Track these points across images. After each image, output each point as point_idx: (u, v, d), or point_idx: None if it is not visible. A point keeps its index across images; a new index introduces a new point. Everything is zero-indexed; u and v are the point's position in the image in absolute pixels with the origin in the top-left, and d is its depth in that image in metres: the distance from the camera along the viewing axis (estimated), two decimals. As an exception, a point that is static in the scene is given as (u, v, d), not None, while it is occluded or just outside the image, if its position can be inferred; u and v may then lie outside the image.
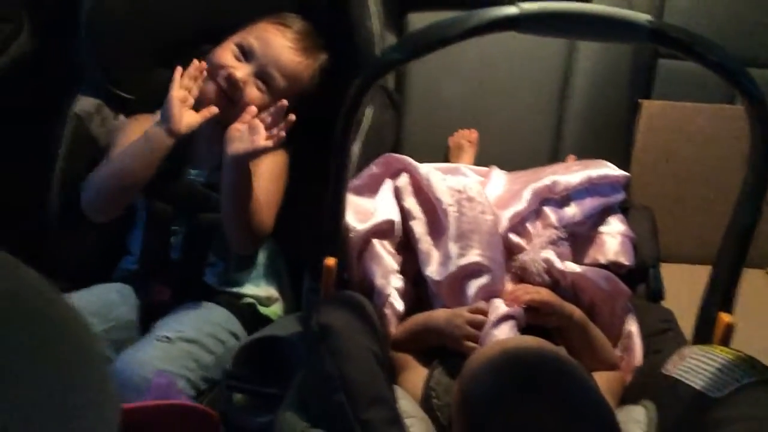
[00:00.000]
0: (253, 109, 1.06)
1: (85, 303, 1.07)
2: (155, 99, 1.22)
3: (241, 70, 1.11)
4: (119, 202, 1.13)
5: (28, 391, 0.37)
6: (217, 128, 1.13)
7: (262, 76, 1.12)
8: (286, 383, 0.83)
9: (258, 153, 1.04)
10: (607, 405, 0.73)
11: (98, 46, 1.22)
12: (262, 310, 1.18)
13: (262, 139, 1.03)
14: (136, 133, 1.12)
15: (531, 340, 0.78)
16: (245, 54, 1.13)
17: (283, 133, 1.04)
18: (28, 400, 0.37)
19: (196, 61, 1.11)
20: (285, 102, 1.05)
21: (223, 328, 1.11)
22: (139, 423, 0.61)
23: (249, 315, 1.16)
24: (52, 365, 0.40)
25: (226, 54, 1.13)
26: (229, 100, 1.11)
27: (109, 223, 1.16)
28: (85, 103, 1.22)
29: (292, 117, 1.04)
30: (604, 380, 0.89)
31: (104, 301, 1.10)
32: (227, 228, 1.10)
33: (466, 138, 1.38)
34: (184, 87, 1.08)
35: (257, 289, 1.18)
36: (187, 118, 1.07)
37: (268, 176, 1.15)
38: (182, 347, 1.02)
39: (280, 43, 1.14)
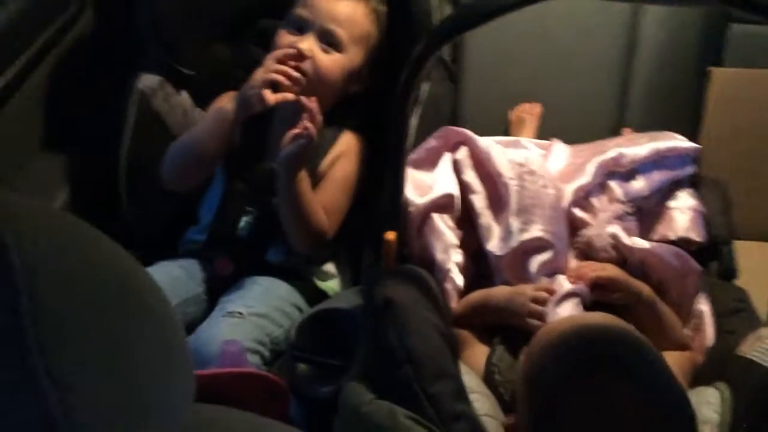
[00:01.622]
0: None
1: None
2: (216, 74, 1.23)
3: (303, 42, 1.09)
4: (194, 174, 1.15)
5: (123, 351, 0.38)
6: (299, 115, 1.13)
7: (324, 38, 1.10)
8: (348, 355, 0.84)
9: (300, 156, 1.03)
10: (678, 383, 0.71)
11: (159, 22, 1.23)
12: (320, 284, 1.18)
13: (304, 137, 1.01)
14: (225, 100, 1.14)
15: (601, 317, 0.76)
16: (299, 27, 1.12)
17: (312, 127, 1.01)
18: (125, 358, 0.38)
19: (285, 41, 1.10)
20: (314, 100, 1.03)
21: (288, 301, 1.13)
22: (212, 390, 0.62)
23: (309, 289, 1.17)
24: (139, 332, 0.41)
25: (283, 36, 1.12)
26: (306, 78, 1.08)
27: (179, 194, 1.19)
28: (147, 80, 1.23)
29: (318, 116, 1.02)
30: (674, 360, 0.86)
31: (171, 278, 1.13)
32: (285, 227, 1.10)
33: (528, 111, 1.34)
34: (268, 69, 1.06)
35: (316, 265, 1.19)
36: (260, 98, 1.05)
37: (339, 183, 1.13)
38: (254, 321, 1.04)
39: (327, 1, 1.12)
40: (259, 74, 1.05)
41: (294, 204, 1.07)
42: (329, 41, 1.11)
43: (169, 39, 1.25)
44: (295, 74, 1.05)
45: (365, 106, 1.17)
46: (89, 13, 1.30)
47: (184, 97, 1.27)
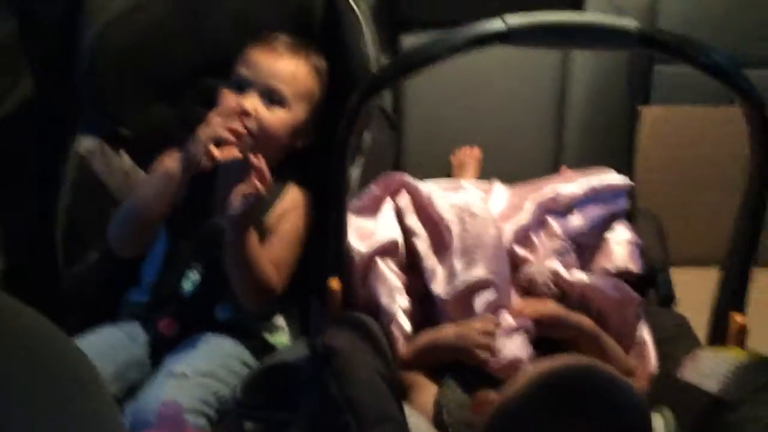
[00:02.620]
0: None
1: (93, 346, 1.07)
2: (156, 135, 1.22)
3: (247, 99, 1.11)
4: (142, 237, 1.13)
5: None
6: (245, 172, 1.14)
7: (267, 95, 1.12)
8: (296, 408, 0.83)
9: (248, 213, 1.02)
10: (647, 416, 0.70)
11: (98, 83, 1.22)
12: (269, 339, 1.17)
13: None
14: (168, 161, 1.13)
15: (575, 358, 0.76)
16: (242, 86, 1.13)
17: (260, 186, 1.01)
18: None
19: (229, 99, 1.10)
20: (260, 157, 1.03)
21: (235, 358, 1.10)
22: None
23: (258, 344, 1.15)
24: (58, 407, 0.39)
25: (226, 96, 1.13)
26: (251, 136, 1.09)
27: (119, 259, 1.17)
28: (86, 142, 1.22)
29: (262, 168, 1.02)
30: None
31: (111, 342, 1.10)
32: (233, 285, 1.09)
33: (468, 155, 1.38)
34: (213, 126, 1.06)
35: (264, 320, 1.18)
36: (207, 154, 1.04)
37: (287, 238, 1.13)
38: (199, 381, 1.02)
39: (268, 58, 1.14)
40: (204, 131, 1.06)
41: (242, 261, 1.06)
42: (272, 98, 1.12)
43: (108, 100, 1.24)
44: (241, 130, 1.05)
45: (309, 159, 1.18)
46: (26, 81, 1.29)
47: (125, 158, 1.25)
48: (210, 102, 1.22)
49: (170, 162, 1.11)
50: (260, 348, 1.14)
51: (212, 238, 1.13)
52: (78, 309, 1.19)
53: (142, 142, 1.24)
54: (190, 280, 1.13)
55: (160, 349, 1.11)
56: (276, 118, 1.12)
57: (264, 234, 1.12)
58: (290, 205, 1.15)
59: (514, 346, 0.86)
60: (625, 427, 0.66)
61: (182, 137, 1.19)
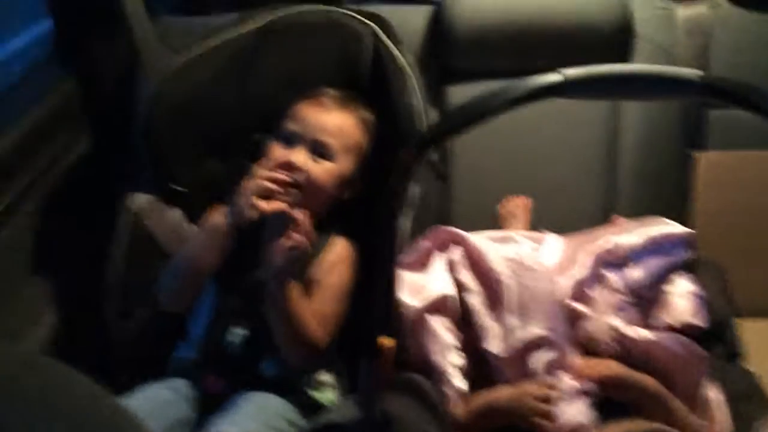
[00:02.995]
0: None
1: (142, 405, 1.07)
2: (207, 190, 1.24)
3: (295, 154, 1.12)
4: (192, 291, 1.14)
5: None
6: (290, 225, 1.14)
7: (316, 149, 1.13)
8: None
9: (291, 268, 1.03)
10: None
11: (154, 141, 1.24)
12: (316, 396, 1.14)
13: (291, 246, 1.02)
14: (216, 216, 1.15)
15: (638, 426, 0.72)
16: (290, 140, 1.14)
17: (303, 240, 1.02)
18: None
19: (276, 153, 1.12)
20: (306, 213, 1.04)
21: (282, 417, 1.08)
22: None
23: (304, 402, 1.13)
24: None
25: (274, 150, 1.14)
26: (299, 188, 1.10)
27: (168, 314, 1.17)
28: (139, 199, 1.25)
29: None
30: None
31: (159, 401, 1.09)
32: (277, 340, 1.08)
33: (517, 205, 1.35)
34: (260, 178, 1.07)
35: (310, 375, 1.16)
36: (253, 207, 1.05)
37: (333, 292, 1.12)
38: None
39: (315, 112, 1.15)
40: (250, 183, 1.07)
41: (284, 314, 1.05)
42: (320, 152, 1.13)
43: (162, 157, 1.26)
44: (287, 180, 1.06)
45: (355, 212, 1.18)
46: (85, 137, 1.33)
47: (177, 213, 1.27)
48: (259, 156, 1.24)
49: (218, 216, 1.12)
50: (307, 406, 1.11)
51: (259, 292, 1.13)
52: (128, 366, 1.19)
53: (193, 197, 1.26)
54: (237, 336, 1.12)
55: (207, 407, 1.10)
56: (323, 170, 1.12)
57: (309, 287, 1.11)
58: (336, 258, 1.15)
59: (575, 411, 0.82)
60: None
61: (232, 191, 1.22)
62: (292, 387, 1.12)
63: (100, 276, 1.22)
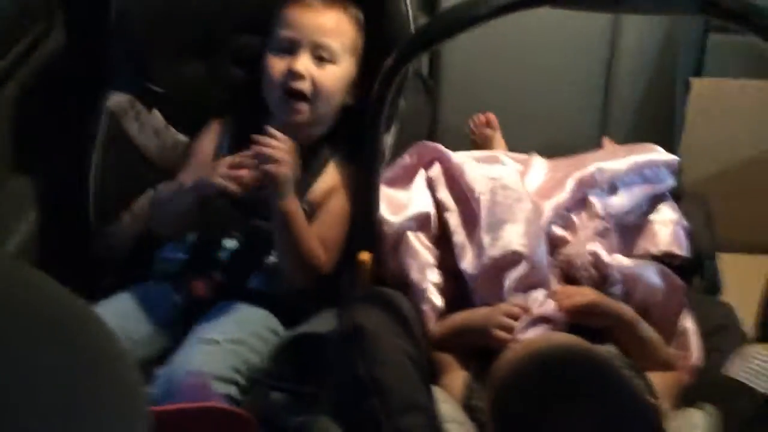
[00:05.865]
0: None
1: (125, 308, 1.08)
2: (189, 93, 1.20)
3: (297, 62, 1.08)
4: (180, 228, 1.14)
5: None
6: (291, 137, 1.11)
7: (316, 53, 1.09)
8: (323, 382, 0.81)
9: (280, 184, 1.02)
10: (648, 406, 0.68)
11: (130, 39, 1.20)
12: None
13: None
14: (214, 139, 1.16)
15: (561, 338, 0.74)
16: (288, 49, 1.09)
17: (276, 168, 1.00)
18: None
19: (279, 72, 1.09)
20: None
21: (266, 327, 1.09)
22: (174, 425, 0.59)
23: (288, 315, 1.13)
24: (78, 384, 0.38)
25: (273, 62, 1.10)
26: (308, 100, 1.08)
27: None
28: (117, 99, 1.20)
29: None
30: (659, 381, 0.84)
31: (143, 304, 1.10)
32: (280, 260, 1.08)
33: (486, 125, 1.29)
34: (236, 165, 1.03)
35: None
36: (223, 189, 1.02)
37: (335, 217, 1.10)
38: (230, 348, 1.01)
39: (309, 15, 1.11)
40: (225, 166, 1.02)
41: (284, 239, 1.05)
42: (322, 55, 1.09)
43: (140, 57, 1.22)
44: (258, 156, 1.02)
45: (352, 133, 1.15)
46: (58, 32, 1.28)
47: (156, 115, 1.23)
48: (244, 61, 1.19)
49: (186, 177, 1.09)
50: (291, 320, 1.12)
51: (255, 206, 1.11)
52: (111, 268, 1.19)
53: (175, 100, 1.22)
54: (229, 246, 1.12)
55: (191, 312, 1.10)
56: (328, 75, 1.09)
57: (309, 209, 1.10)
58: (336, 181, 1.12)
59: (535, 335, 0.82)
60: (616, 411, 0.64)
61: (216, 96, 1.20)
62: (278, 301, 1.12)
63: (81, 176, 1.19)
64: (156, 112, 1.23)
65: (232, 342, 1.01)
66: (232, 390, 0.97)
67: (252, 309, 1.10)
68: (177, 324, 1.10)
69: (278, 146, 1.01)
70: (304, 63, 1.08)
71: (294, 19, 1.10)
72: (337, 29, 1.10)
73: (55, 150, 1.24)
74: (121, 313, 1.07)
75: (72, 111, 1.23)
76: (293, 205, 1.03)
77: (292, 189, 1.03)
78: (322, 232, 1.08)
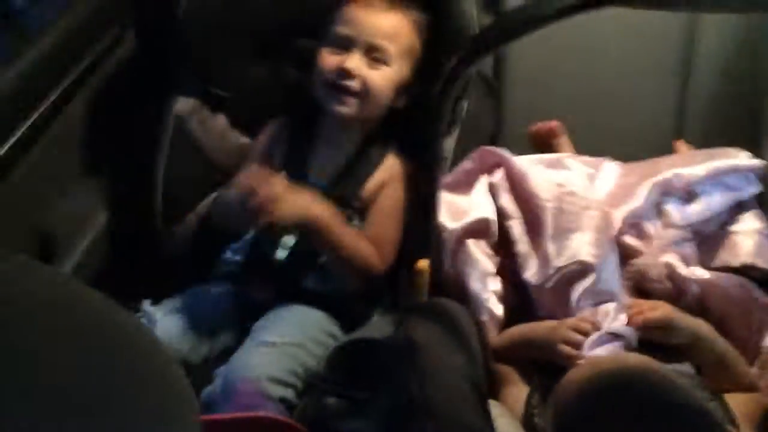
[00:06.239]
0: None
1: (187, 308, 1.09)
2: (252, 96, 1.21)
3: (350, 60, 1.07)
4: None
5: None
6: (337, 135, 1.11)
7: (371, 53, 1.08)
8: (376, 390, 0.79)
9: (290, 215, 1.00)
10: (715, 422, 0.63)
11: (195, 45, 1.21)
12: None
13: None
14: (271, 137, 1.17)
15: (631, 359, 0.69)
16: (343, 45, 1.09)
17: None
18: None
19: (332, 67, 1.07)
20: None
21: (324, 331, 1.08)
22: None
23: (346, 317, 1.12)
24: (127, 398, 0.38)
25: (326, 56, 1.09)
26: (356, 96, 1.07)
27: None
28: (182, 103, 1.23)
29: None
30: (739, 403, 0.78)
31: (204, 305, 1.10)
32: (333, 271, 1.08)
33: (548, 136, 1.22)
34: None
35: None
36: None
37: (388, 212, 1.08)
38: (288, 351, 1.00)
39: (368, 14, 1.09)
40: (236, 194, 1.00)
41: (330, 249, 1.04)
42: (376, 57, 1.08)
43: (203, 62, 1.24)
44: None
45: (410, 126, 1.13)
46: (130, 38, 1.31)
47: (220, 119, 1.25)
48: (306, 63, 1.19)
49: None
50: (349, 322, 1.11)
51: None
52: (176, 269, 1.20)
53: (238, 104, 1.23)
54: (285, 248, 1.11)
55: (251, 313, 1.11)
56: (380, 75, 1.07)
57: (361, 203, 1.09)
58: (389, 175, 1.11)
59: (604, 353, 0.77)
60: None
61: (278, 99, 1.20)
62: (334, 302, 1.12)
63: (147, 179, 1.22)
64: (220, 116, 1.25)
65: (289, 345, 1.01)
66: (288, 393, 0.97)
67: (310, 311, 1.09)
68: (237, 324, 1.11)
69: (258, 180, 0.99)
70: (356, 62, 1.06)
71: (353, 16, 1.09)
72: (395, 32, 1.09)
73: (123, 154, 1.27)
74: (183, 313, 1.09)
75: (140, 116, 1.26)
76: (319, 220, 1.02)
77: (303, 208, 1.01)
78: (376, 231, 1.07)
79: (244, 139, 1.24)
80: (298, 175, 1.13)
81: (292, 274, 1.11)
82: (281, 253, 1.11)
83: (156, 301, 1.11)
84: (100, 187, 1.23)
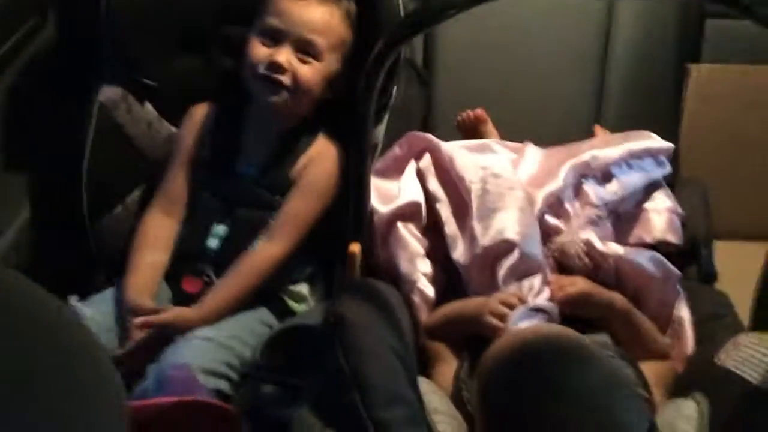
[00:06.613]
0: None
1: (117, 302, 1.07)
2: (181, 86, 1.20)
3: (280, 55, 1.06)
4: None
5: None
6: (266, 123, 1.11)
7: (301, 47, 1.07)
8: (310, 374, 0.80)
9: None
10: (637, 398, 0.67)
11: (121, 33, 1.19)
12: (292, 305, 1.14)
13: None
14: (197, 125, 1.15)
15: (551, 329, 0.73)
16: (273, 37, 1.08)
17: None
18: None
19: (260, 60, 1.07)
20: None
21: (259, 321, 1.09)
22: (152, 419, 0.59)
23: (281, 308, 1.13)
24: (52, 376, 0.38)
25: (256, 47, 1.08)
26: (286, 89, 1.07)
27: (144, 211, 1.16)
28: (108, 92, 1.20)
29: None
30: (652, 370, 0.83)
31: None
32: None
33: (474, 121, 1.25)
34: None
35: (288, 284, 1.15)
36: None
37: (306, 189, 1.10)
38: (222, 343, 1.01)
39: (300, 7, 1.08)
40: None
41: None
42: (308, 51, 1.07)
43: (130, 50, 1.21)
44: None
45: (342, 110, 1.14)
46: (50, 26, 1.27)
47: (148, 108, 1.23)
48: (234, 51, 1.18)
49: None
50: (284, 313, 1.12)
51: (237, 193, 1.11)
52: (105, 262, 1.18)
53: (166, 93, 1.21)
54: (216, 238, 1.11)
55: (183, 305, 1.10)
56: (311, 70, 1.07)
57: (288, 183, 1.10)
58: (316, 154, 1.12)
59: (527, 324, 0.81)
60: (603, 404, 0.63)
61: (206, 87, 1.18)
62: (269, 294, 1.12)
63: (74, 170, 1.19)
64: (148, 105, 1.23)
65: (224, 337, 1.01)
66: (222, 384, 0.97)
67: (246, 306, 1.10)
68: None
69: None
70: (286, 56, 1.06)
71: (284, 8, 1.08)
72: (326, 26, 1.08)
73: (47, 144, 1.23)
74: (112, 308, 1.07)
75: (64, 105, 1.23)
76: (213, 314, 1.05)
77: (196, 313, 1.05)
78: (291, 207, 1.08)
79: (173, 129, 1.22)
80: (228, 163, 1.13)
81: (226, 264, 1.11)
82: (214, 242, 1.11)
83: (84, 297, 1.09)
84: (24, 180, 1.19)
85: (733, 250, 1.15)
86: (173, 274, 1.13)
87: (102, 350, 0.44)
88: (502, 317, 0.84)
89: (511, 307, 0.84)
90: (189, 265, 1.11)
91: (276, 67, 1.05)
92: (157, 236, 1.12)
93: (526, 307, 0.84)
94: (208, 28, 1.19)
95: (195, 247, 1.12)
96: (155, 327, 1.02)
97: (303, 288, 1.16)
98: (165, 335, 1.02)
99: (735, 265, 1.03)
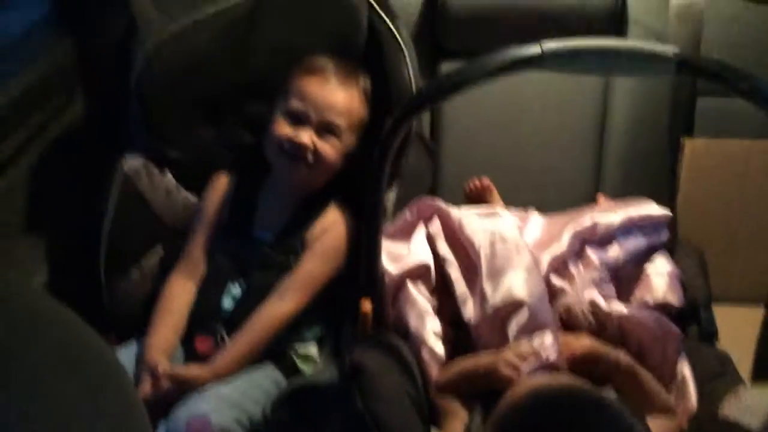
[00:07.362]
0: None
1: (130, 361, 1.10)
2: (200, 156, 1.25)
3: (303, 135, 1.13)
4: None
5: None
6: (285, 192, 1.17)
7: (324, 128, 1.14)
8: (322, 428, 0.82)
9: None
10: None
11: (147, 105, 1.24)
12: (300, 365, 1.16)
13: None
14: (218, 193, 1.21)
15: (564, 379, 0.75)
16: (299, 119, 1.14)
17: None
18: None
19: (284, 137, 1.14)
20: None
21: (269, 380, 1.10)
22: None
23: (289, 367, 1.15)
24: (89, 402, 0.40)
25: (282, 126, 1.15)
26: (306, 165, 1.14)
27: (160, 275, 1.20)
28: (132, 161, 1.25)
29: None
30: (658, 426, 0.85)
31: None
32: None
33: (481, 190, 1.33)
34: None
35: (298, 342, 1.18)
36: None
37: (318, 255, 1.14)
38: (233, 402, 1.02)
39: (322, 90, 1.15)
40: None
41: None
42: (330, 131, 1.14)
43: (155, 121, 1.27)
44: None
45: (355, 181, 1.19)
46: (78, 103, 1.34)
47: (168, 177, 1.27)
48: (253, 126, 1.25)
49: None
50: (292, 371, 1.14)
51: (252, 256, 1.15)
52: (120, 326, 1.20)
53: (186, 163, 1.27)
54: (230, 298, 1.15)
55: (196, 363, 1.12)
56: (331, 148, 1.14)
57: (303, 248, 1.14)
58: (330, 222, 1.17)
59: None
60: None
61: (224, 158, 1.24)
62: (280, 353, 1.14)
63: (94, 237, 1.23)
64: (168, 174, 1.28)
65: (235, 395, 1.03)
66: None
67: (255, 362, 1.11)
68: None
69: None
70: (309, 137, 1.13)
71: (307, 92, 1.14)
72: (347, 109, 1.15)
73: (72, 213, 1.28)
74: (126, 366, 1.09)
75: (86, 174, 1.28)
76: (224, 370, 1.08)
77: (209, 370, 1.08)
78: (302, 270, 1.12)
79: (191, 198, 1.27)
80: (245, 227, 1.18)
81: (239, 325, 1.13)
82: (228, 302, 1.14)
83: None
84: (43, 245, 1.23)
85: (730, 313, 1.17)
86: (187, 333, 1.15)
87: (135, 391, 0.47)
88: (517, 368, 0.86)
89: (525, 358, 0.87)
90: (203, 325, 1.14)
91: (300, 146, 1.12)
92: (178, 299, 1.16)
93: (539, 360, 0.86)
94: (228, 102, 1.26)
95: (210, 307, 1.15)
96: (171, 381, 1.04)
97: (312, 348, 1.17)
98: (177, 391, 1.04)
99: (733, 327, 1.06)
